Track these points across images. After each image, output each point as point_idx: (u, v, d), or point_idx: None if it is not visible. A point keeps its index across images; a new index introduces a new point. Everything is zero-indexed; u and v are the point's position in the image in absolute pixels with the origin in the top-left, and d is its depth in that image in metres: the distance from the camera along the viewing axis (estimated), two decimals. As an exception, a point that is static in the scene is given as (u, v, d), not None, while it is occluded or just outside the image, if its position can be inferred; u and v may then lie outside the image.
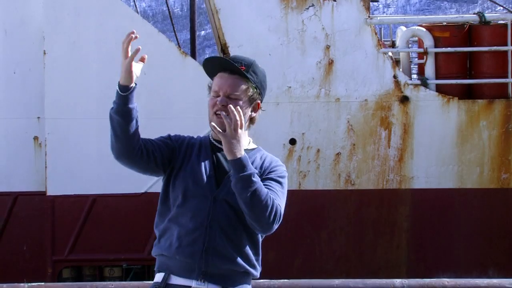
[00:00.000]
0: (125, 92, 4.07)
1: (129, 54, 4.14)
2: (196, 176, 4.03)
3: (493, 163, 10.91)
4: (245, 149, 4.10)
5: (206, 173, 4.05)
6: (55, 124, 10.99)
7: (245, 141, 4.18)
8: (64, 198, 10.87)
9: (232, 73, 4.18)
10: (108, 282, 9.43)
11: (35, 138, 11.25)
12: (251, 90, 4.28)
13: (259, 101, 4.40)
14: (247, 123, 4.28)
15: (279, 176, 4.25)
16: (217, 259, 3.90)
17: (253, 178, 3.95)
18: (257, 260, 4.09)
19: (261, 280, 8.68)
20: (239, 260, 3.94)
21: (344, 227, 11.04)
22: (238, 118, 3.98)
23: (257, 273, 4.07)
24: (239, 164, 3.95)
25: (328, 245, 11.00)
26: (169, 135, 4.24)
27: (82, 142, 11.00)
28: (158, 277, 4.01)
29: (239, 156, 3.96)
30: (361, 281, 8.68)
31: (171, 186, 4.08)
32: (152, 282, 4.04)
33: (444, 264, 10.52)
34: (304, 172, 10.99)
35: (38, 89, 11.10)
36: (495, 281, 8.31)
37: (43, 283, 9.16)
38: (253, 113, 4.37)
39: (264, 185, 4.07)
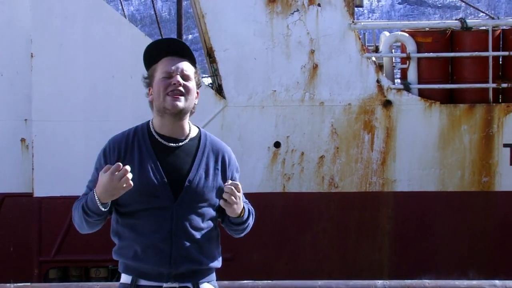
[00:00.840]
0: (105, 208, 3.91)
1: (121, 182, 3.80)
2: (149, 187, 3.88)
3: (474, 166, 10.96)
4: (192, 138, 4.02)
5: (158, 181, 3.89)
6: (42, 126, 10.97)
7: (187, 128, 4.05)
8: (51, 200, 10.86)
9: (182, 56, 4.04)
10: (94, 283, 9.41)
11: (22, 140, 11.23)
12: (197, 74, 4.13)
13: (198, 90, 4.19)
14: (192, 111, 4.12)
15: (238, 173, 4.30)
16: (185, 263, 3.88)
17: (249, 220, 4.08)
18: (218, 253, 4.08)
19: (245, 281, 8.71)
20: (205, 259, 3.93)
21: (328, 229, 11.07)
22: (237, 194, 3.97)
23: (220, 264, 4.07)
24: (242, 218, 4.11)
25: (312, 247, 11.03)
26: (100, 165, 3.98)
27: (69, 144, 10.99)
28: (126, 278, 3.95)
29: (241, 212, 4.09)
30: (344, 282, 8.71)
31: (122, 199, 3.92)
32: (120, 284, 3.99)
33: (426, 265, 10.58)
34: (288, 175, 11.02)
35: (26, 91, 11.08)
36: (474, 282, 8.36)
37: (29, 284, 9.15)
38: (196, 100, 4.15)
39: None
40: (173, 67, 3.97)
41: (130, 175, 3.75)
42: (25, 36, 11.09)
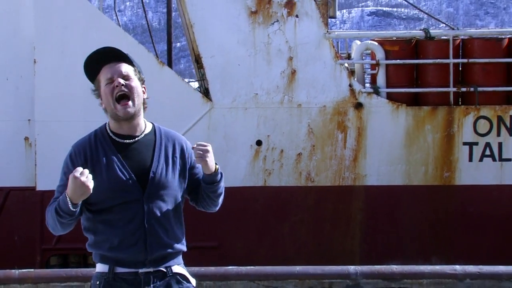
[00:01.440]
0: (76, 208, 3.90)
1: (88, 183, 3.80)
2: (118, 184, 3.85)
3: (437, 162, 11.03)
4: (147, 133, 4.00)
5: (126, 177, 3.86)
6: (44, 125, 10.98)
7: (142, 124, 4.03)
8: (52, 193, 10.78)
9: (118, 60, 4.03)
10: (92, 269, 9.41)
11: (26, 138, 11.22)
12: (137, 72, 4.12)
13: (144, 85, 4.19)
14: (144, 106, 4.10)
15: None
16: (158, 248, 3.87)
17: (222, 180, 4.06)
18: (183, 237, 4.07)
19: (230, 267, 8.72)
20: (175, 244, 3.93)
21: (305, 219, 11.11)
22: (207, 148, 3.95)
23: (185, 247, 4.05)
24: (217, 175, 4.07)
25: (290, 236, 11.06)
26: (68, 169, 3.97)
27: (68, 142, 10.85)
28: (103, 267, 3.91)
29: (215, 169, 4.06)
30: (320, 267, 8.75)
31: (93, 198, 3.89)
32: (96, 272, 3.95)
33: (393, 252, 10.63)
34: (269, 170, 11.05)
35: (29, 94, 11.08)
36: (437, 267, 8.43)
37: (32, 270, 9.14)
38: (145, 95, 4.13)
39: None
40: (112, 72, 3.96)
41: (88, 179, 3.76)
42: (28, 43, 11.08)
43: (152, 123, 4.05)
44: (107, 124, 3.98)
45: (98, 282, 3.82)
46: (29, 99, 11.09)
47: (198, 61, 11.22)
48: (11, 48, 11.22)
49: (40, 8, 10.99)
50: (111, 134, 3.93)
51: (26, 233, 11.11)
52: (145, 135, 3.95)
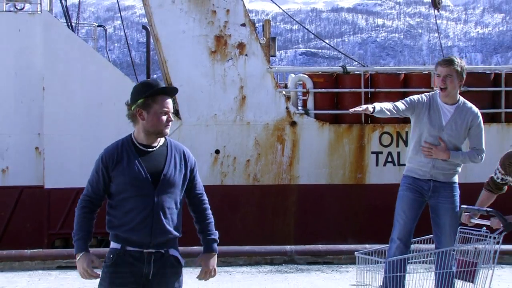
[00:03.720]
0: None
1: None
2: (136, 180, 3.79)
3: (352, 167, 11.12)
4: (161, 145, 3.93)
5: (142, 176, 3.79)
6: (51, 138, 10.86)
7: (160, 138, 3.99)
8: (57, 190, 10.72)
9: (170, 96, 3.94)
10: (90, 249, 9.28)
11: (36, 148, 11.07)
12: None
13: None
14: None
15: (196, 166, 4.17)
16: (161, 234, 3.83)
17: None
18: (180, 226, 4.03)
19: (193, 247, 8.66)
20: (174, 231, 3.90)
21: (252, 211, 11.12)
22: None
23: (181, 234, 4.03)
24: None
25: (241, 223, 11.05)
26: (100, 169, 3.88)
27: (69, 151, 10.87)
28: (116, 245, 3.85)
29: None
30: (263, 247, 8.75)
31: (116, 190, 3.84)
32: (110, 248, 3.88)
33: (319, 235, 10.66)
34: (225, 173, 11.03)
35: (39, 113, 10.96)
36: (352, 246, 8.47)
37: (41, 250, 9.02)
38: None
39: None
40: (168, 106, 3.91)
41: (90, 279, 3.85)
42: (38, 74, 10.96)
43: (165, 137, 4.06)
44: (132, 135, 3.95)
45: (111, 256, 3.79)
46: (39, 117, 10.96)
47: (170, 89, 11.17)
48: (25, 78, 11.07)
49: (48, 47, 10.87)
50: (136, 143, 3.92)
51: (36, 221, 10.95)
52: (160, 146, 3.95)
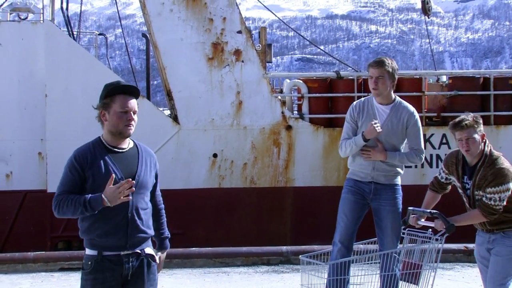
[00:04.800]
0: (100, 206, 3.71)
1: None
2: (112, 182, 3.64)
3: (346, 169, 11.03)
4: (131, 147, 3.87)
5: (118, 177, 3.68)
6: (53, 143, 10.83)
7: (128, 140, 3.89)
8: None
9: (131, 95, 3.85)
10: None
11: (39, 153, 11.07)
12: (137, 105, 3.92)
13: None
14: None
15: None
16: (137, 235, 3.76)
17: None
18: (152, 226, 3.97)
19: (193, 248, 8.66)
20: (148, 230, 3.84)
21: (249, 212, 11.10)
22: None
23: (153, 232, 3.95)
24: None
25: (239, 224, 11.04)
26: (74, 168, 3.73)
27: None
28: (92, 252, 3.73)
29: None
30: (260, 248, 8.75)
31: (89, 191, 3.69)
32: (86, 255, 3.75)
33: (314, 236, 10.65)
34: (222, 176, 11.02)
35: (42, 120, 10.95)
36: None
37: (44, 252, 9.00)
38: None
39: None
40: (128, 105, 3.80)
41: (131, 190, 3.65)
42: (41, 82, 10.95)
43: (132, 140, 3.97)
44: (101, 137, 3.87)
45: (89, 263, 3.70)
46: (41, 124, 10.95)
47: (169, 95, 11.17)
48: (28, 86, 11.08)
49: (50, 55, 10.86)
50: (106, 145, 3.84)
51: (39, 225, 10.92)
52: (130, 148, 3.89)
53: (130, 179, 3.66)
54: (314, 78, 11.73)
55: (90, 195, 3.68)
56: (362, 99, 5.59)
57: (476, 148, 4.72)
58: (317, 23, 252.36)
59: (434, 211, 4.83)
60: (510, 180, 4.62)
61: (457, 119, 4.78)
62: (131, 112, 3.82)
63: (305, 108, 11.24)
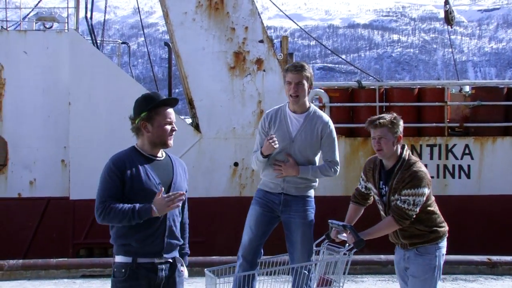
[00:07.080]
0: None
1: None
2: (148, 189, 3.70)
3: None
4: (165, 156, 3.92)
5: (155, 184, 3.73)
6: (76, 151, 10.93)
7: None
8: (82, 201, 10.78)
9: (171, 106, 3.92)
10: (111, 258, 9.34)
11: (62, 160, 11.18)
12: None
13: None
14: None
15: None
16: (171, 242, 3.79)
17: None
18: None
19: (214, 257, 8.65)
20: (180, 239, 3.87)
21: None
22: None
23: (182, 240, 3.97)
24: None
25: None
26: (113, 172, 3.75)
27: (94, 163, 10.90)
28: (125, 259, 3.69)
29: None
30: (281, 256, 8.68)
31: (126, 197, 3.70)
32: (119, 262, 3.69)
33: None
34: (243, 184, 11.04)
35: (65, 127, 11.06)
36: (367, 256, 8.39)
37: (66, 259, 9.08)
38: None
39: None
40: (172, 117, 3.90)
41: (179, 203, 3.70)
42: (65, 90, 11.08)
43: (163, 150, 4.02)
44: (136, 146, 3.92)
45: (123, 270, 3.66)
46: (65, 131, 11.07)
47: (190, 103, 11.24)
48: (52, 94, 11.21)
49: (74, 63, 10.99)
50: (143, 152, 3.90)
51: (61, 231, 11.02)
52: (164, 157, 3.96)
53: (182, 192, 3.71)
54: (336, 87, 11.73)
55: (138, 204, 3.68)
56: (276, 107, 5.27)
57: (388, 149, 4.52)
58: (339, 32, 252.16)
59: (346, 224, 4.68)
60: (426, 186, 4.43)
61: (375, 117, 4.62)
62: (174, 124, 3.93)
63: (326, 117, 11.21)
